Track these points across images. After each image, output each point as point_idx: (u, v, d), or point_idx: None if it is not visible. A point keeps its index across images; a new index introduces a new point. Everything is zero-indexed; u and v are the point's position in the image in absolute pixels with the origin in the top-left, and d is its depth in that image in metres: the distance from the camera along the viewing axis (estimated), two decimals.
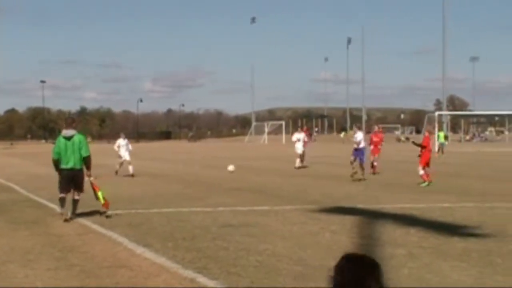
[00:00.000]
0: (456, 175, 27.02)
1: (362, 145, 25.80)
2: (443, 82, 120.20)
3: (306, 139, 36.33)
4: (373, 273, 3.07)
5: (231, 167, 28.55)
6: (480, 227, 12.38)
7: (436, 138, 54.55)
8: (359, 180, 24.05)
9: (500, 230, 11.98)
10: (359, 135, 26.34)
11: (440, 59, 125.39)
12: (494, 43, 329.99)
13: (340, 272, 3.13)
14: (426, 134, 24.87)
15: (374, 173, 27.50)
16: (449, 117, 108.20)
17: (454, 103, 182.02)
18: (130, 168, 28.66)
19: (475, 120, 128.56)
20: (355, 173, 24.83)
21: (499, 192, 19.75)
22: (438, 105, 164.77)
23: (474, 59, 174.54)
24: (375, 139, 29.82)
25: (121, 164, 29.24)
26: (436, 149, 49.48)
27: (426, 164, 22.85)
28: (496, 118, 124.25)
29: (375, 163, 28.33)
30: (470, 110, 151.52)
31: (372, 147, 29.37)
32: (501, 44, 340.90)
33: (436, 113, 79.64)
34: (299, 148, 34.22)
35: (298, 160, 33.70)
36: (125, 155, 29.35)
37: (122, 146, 29.64)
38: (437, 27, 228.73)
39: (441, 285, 7.77)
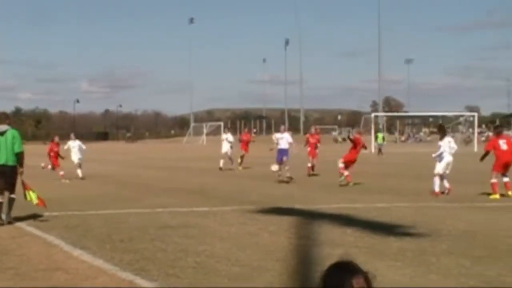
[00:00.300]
0: (392, 176, 27.46)
1: (283, 145, 25.67)
2: (379, 83, 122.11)
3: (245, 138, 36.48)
4: (353, 278, 3.12)
5: (274, 167, 25.75)
6: (415, 226, 12.62)
7: (374, 140, 55.39)
8: (286, 181, 24.06)
9: (434, 229, 12.23)
10: (279, 135, 26.34)
11: (376, 60, 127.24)
12: (428, 45, 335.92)
13: (323, 278, 3.19)
14: (357, 135, 25.11)
15: (310, 175, 27.66)
16: (385, 118, 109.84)
17: (390, 104, 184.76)
18: (79, 172, 27.41)
19: (410, 121, 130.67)
20: (280, 175, 24.94)
21: (431, 191, 20.12)
22: (374, 107, 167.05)
23: (409, 61, 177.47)
24: (311, 140, 29.88)
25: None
26: (373, 149, 50.30)
27: (350, 162, 23.25)
28: (430, 119, 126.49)
29: (309, 165, 28.42)
30: (405, 111, 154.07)
31: (309, 148, 29.43)
32: (435, 46, 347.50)
33: (372, 115, 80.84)
34: (225, 147, 33.99)
35: (222, 161, 33.22)
36: (74, 158, 28.00)
37: (73, 148, 28.19)
38: (373, 29, 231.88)
39: (376, 284, 7.89)
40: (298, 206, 16.48)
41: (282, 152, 25.48)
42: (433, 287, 7.83)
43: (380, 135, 56.52)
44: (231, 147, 34.40)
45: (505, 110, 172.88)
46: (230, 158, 33.54)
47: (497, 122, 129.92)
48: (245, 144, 35.79)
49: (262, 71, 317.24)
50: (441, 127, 21.91)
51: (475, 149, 65.47)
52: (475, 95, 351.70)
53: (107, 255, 10.00)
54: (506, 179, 18.70)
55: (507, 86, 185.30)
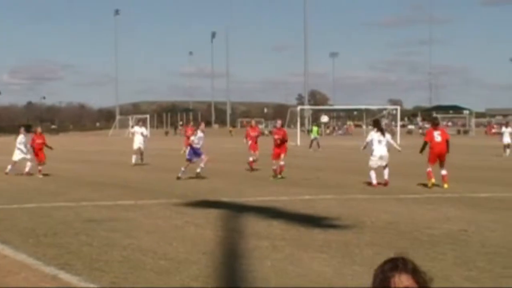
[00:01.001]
0: (317, 169, 27.75)
1: (196, 143, 24.07)
2: (305, 77, 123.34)
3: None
4: (396, 275, 3.09)
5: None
6: (339, 218, 12.80)
7: (309, 133, 55.75)
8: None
9: (358, 221, 12.43)
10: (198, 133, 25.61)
11: (302, 54, 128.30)
12: (353, 39, 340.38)
13: (375, 274, 3.17)
14: (275, 129, 25.11)
15: (253, 170, 26.75)
16: (310, 111, 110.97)
17: (315, 97, 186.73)
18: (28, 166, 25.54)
19: (335, 114, 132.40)
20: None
21: (356, 184, 20.46)
22: (300, 100, 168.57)
23: (333, 54, 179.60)
24: (252, 133, 28.78)
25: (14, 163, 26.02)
26: (310, 143, 50.75)
27: (274, 155, 23.40)
28: (355, 113, 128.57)
29: (250, 159, 27.37)
30: (330, 105, 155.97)
31: (250, 142, 28.42)
32: (360, 40, 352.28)
33: (298, 108, 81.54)
34: (137, 142, 31.43)
35: (134, 157, 30.91)
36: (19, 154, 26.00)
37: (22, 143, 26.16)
38: (299, 23, 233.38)
39: (302, 276, 7.99)
40: (224, 199, 16.51)
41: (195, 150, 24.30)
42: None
43: (315, 128, 56.83)
44: (145, 141, 32.20)
45: (427, 104, 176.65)
46: (142, 154, 31.14)
47: (419, 115, 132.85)
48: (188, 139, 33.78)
49: (188, 64, 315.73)
50: (376, 122, 22.39)
51: (398, 141, 66.84)
52: (398, 89, 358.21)
53: (31, 249, 9.82)
54: (443, 172, 19.23)
55: (429, 80, 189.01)
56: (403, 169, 27.68)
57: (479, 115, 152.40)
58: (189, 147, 24.56)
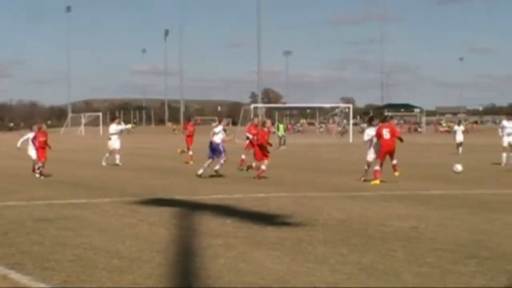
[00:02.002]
0: (272, 166, 27.78)
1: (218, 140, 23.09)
2: (259, 75, 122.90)
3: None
4: None
5: (458, 167, 22.06)
6: (293, 216, 12.86)
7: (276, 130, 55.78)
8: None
9: (311, 219, 12.50)
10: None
11: (255, 52, 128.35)
12: (306, 38, 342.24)
13: None
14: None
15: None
16: (264, 109, 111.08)
17: (269, 96, 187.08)
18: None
19: (288, 112, 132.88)
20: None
21: (310, 181, 20.59)
22: (254, 98, 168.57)
23: (287, 53, 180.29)
24: (254, 132, 27.63)
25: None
26: (279, 142, 50.91)
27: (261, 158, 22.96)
28: (308, 111, 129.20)
29: (243, 156, 26.50)
30: (284, 103, 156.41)
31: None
32: (313, 39, 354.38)
33: (252, 106, 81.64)
34: (116, 142, 29.54)
35: (117, 156, 29.15)
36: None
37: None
38: (253, 20, 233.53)
39: (255, 273, 8.02)
40: (178, 197, 16.47)
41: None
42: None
43: (281, 126, 56.77)
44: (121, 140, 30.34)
45: (379, 102, 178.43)
46: (117, 153, 29.44)
47: (371, 113, 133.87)
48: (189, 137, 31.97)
49: (142, 61, 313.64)
50: (371, 119, 22.66)
51: (350, 140, 67.43)
52: (350, 87, 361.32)
53: None
54: (394, 162, 19.63)
55: (380, 78, 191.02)
56: (356, 167, 27.93)
57: (429, 113, 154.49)
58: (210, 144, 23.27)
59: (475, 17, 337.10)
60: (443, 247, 9.61)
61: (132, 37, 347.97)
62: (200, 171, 22.27)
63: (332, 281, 7.64)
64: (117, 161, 28.79)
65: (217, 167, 22.55)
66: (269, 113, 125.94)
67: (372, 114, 31.90)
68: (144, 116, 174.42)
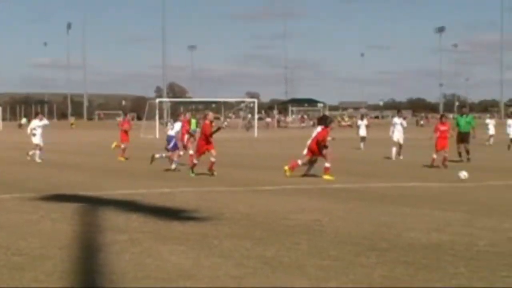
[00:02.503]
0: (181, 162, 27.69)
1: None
2: (163, 69, 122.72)
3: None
4: None
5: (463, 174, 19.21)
6: (198, 211, 12.88)
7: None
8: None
9: (217, 213, 12.56)
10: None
11: (160, 46, 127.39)
12: (212, 32, 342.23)
13: None
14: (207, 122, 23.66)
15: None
16: (169, 104, 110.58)
17: (174, 90, 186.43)
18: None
19: (193, 106, 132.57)
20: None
21: (215, 176, 20.62)
22: (159, 92, 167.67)
23: (192, 47, 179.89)
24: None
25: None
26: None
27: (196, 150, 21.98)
28: (213, 105, 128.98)
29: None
30: (189, 97, 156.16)
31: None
32: (219, 33, 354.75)
33: (157, 100, 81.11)
34: (38, 138, 28.29)
35: (38, 153, 28.11)
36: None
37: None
38: (158, 15, 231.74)
39: (160, 268, 8.01)
40: (81, 192, 16.23)
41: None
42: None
43: (194, 120, 56.48)
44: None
45: (283, 97, 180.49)
46: (40, 150, 28.43)
47: (275, 108, 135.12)
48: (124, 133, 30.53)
49: (44, 55, 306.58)
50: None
51: (255, 134, 67.87)
52: (255, 82, 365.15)
53: None
54: (327, 165, 19.86)
55: (285, 73, 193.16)
56: (261, 161, 28.23)
57: (332, 108, 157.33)
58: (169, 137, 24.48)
59: (375, 15, 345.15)
60: (345, 240, 9.84)
61: (33, 30, 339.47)
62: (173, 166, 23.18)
63: (237, 274, 7.71)
64: (37, 158, 28.04)
65: (173, 166, 23.15)
66: (175, 107, 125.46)
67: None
68: (46, 111, 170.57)
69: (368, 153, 31.91)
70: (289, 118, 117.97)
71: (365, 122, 40.51)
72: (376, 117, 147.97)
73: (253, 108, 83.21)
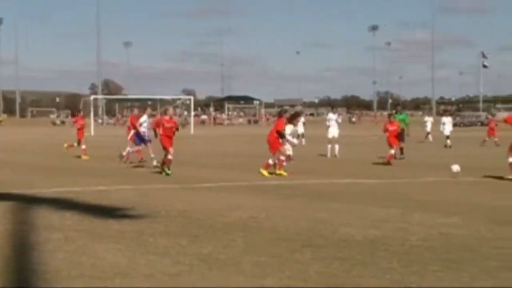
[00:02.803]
0: (111, 159, 27.45)
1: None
2: (98, 66, 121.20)
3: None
4: None
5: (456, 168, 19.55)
6: (134, 208, 12.77)
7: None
8: None
9: (153, 211, 12.47)
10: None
11: (95, 43, 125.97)
12: (148, 29, 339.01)
13: None
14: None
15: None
16: (104, 101, 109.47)
17: (109, 87, 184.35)
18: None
19: (129, 104, 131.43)
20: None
21: (152, 174, 20.49)
22: (93, 89, 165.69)
23: (127, 44, 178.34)
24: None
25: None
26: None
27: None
28: (149, 102, 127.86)
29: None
30: (124, 94, 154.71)
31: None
32: (155, 30, 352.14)
33: (92, 97, 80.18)
34: None
35: None
36: None
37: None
38: (92, 11, 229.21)
39: (96, 267, 7.92)
40: (14, 191, 15.92)
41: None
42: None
43: (146, 116, 56.33)
44: None
45: (219, 94, 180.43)
46: None
47: (212, 105, 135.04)
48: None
49: None
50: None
51: (192, 131, 67.70)
52: (192, 79, 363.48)
53: None
54: (281, 157, 19.97)
55: (221, 71, 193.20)
56: (197, 158, 28.20)
57: (268, 105, 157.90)
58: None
59: (311, 13, 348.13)
60: (281, 236, 9.89)
61: None
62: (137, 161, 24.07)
63: (173, 272, 7.68)
64: None
65: (154, 163, 22.68)
66: (110, 104, 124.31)
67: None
68: None
69: (305, 150, 32.09)
70: (225, 115, 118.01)
71: (302, 119, 40.78)
72: (311, 114, 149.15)
73: (189, 105, 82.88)
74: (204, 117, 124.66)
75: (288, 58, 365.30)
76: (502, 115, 44.66)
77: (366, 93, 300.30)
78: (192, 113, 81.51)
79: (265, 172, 19.61)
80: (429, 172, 20.77)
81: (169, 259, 8.36)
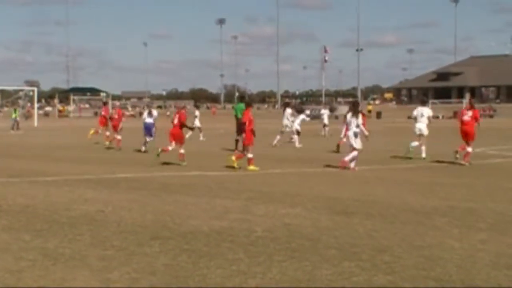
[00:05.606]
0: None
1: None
2: None
3: None
4: None
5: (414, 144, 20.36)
6: None
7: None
8: None
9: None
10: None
11: None
12: None
13: None
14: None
15: None
16: None
17: None
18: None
19: None
20: None
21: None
22: None
23: None
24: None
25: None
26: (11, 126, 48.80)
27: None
28: None
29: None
30: None
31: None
32: None
33: None
34: None
35: None
36: None
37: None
38: None
39: None
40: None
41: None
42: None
43: (17, 109, 55.25)
44: None
45: (65, 86, 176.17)
46: None
47: (57, 97, 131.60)
48: None
49: None
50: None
51: (35, 123, 65.65)
52: (35, 70, 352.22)
53: None
54: (249, 155, 19.61)
55: (66, 61, 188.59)
56: (40, 151, 27.48)
57: (116, 97, 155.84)
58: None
59: (157, 4, 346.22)
60: (128, 229, 9.86)
61: None
62: (143, 148, 26.14)
63: (15, 268, 7.49)
64: None
65: (143, 148, 26.05)
66: None
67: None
68: None
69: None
70: (71, 107, 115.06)
71: (197, 113, 40.48)
72: (160, 107, 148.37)
73: (32, 96, 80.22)
74: (48, 108, 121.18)
75: (135, 49, 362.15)
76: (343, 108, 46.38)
77: (214, 86, 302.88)
78: (36, 104, 78.89)
79: (252, 167, 19.27)
80: (274, 164, 21.23)
81: (11, 255, 8.14)
